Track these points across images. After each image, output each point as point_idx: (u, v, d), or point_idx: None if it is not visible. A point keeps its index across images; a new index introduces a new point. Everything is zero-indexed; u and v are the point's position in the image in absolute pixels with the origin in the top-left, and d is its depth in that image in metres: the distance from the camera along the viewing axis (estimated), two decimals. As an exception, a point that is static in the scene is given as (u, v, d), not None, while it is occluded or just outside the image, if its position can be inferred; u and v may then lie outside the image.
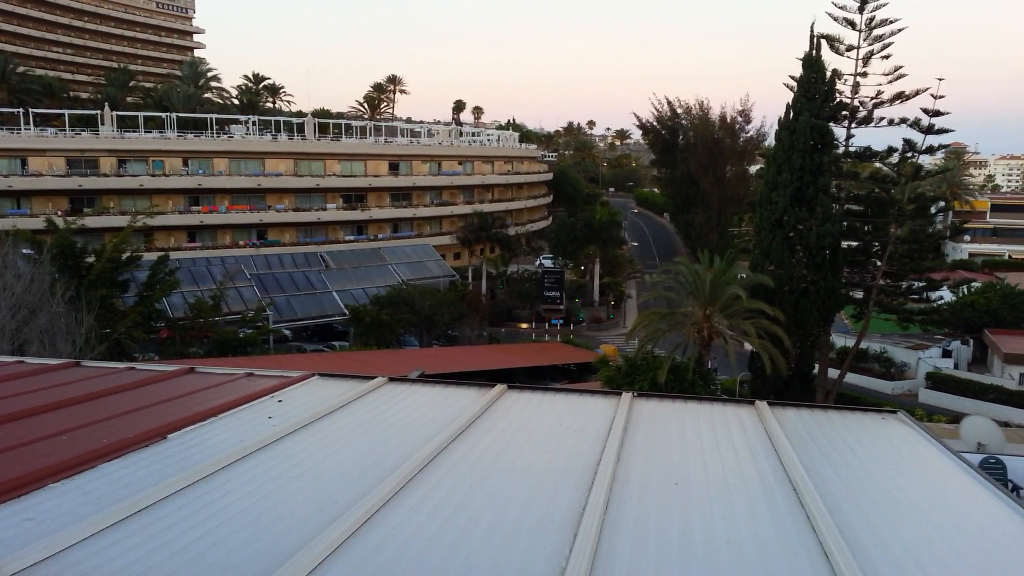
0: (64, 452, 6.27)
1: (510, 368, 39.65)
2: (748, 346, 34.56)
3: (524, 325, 62.86)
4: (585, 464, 6.14)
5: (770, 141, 69.50)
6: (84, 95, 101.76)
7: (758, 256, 36.11)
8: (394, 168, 78.76)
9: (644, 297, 52.03)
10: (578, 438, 6.86)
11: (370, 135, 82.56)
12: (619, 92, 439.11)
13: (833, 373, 39.20)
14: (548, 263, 74.50)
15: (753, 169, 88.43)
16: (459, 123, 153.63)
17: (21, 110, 64.23)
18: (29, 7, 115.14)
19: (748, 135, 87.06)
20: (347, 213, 74.06)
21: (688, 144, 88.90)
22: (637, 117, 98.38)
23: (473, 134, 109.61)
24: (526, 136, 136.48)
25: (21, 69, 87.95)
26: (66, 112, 67.27)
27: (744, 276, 35.37)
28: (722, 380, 38.99)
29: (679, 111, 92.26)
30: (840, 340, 45.47)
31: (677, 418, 7.63)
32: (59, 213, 51.52)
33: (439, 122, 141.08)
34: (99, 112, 67.74)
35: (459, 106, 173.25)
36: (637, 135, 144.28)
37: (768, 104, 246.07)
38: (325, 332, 51.97)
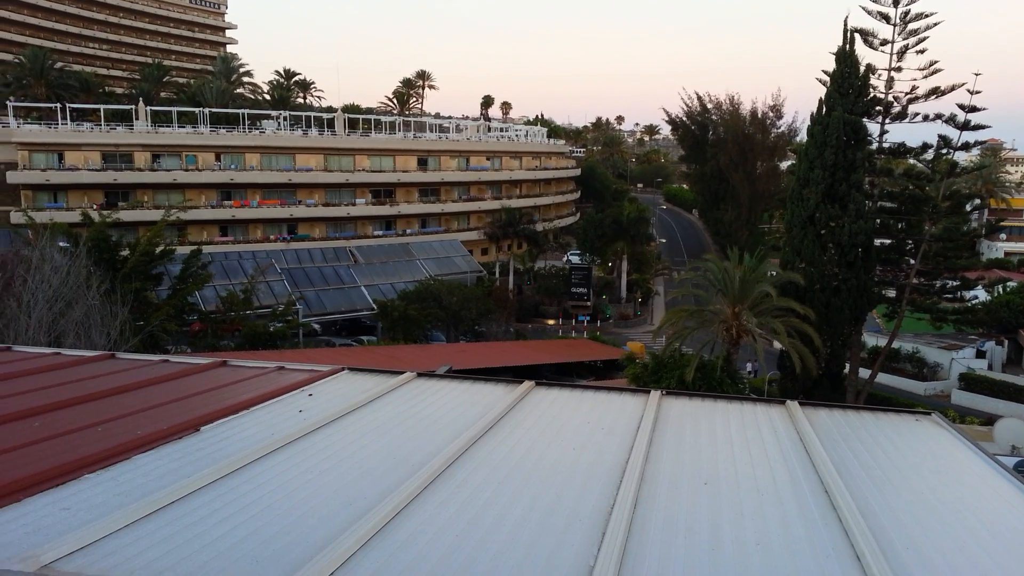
0: (100, 443, 6.37)
1: (537, 364, 39.67)
2: (778, 345, 34.24)
3: (551, 321, 62.79)
4: (613, 462, 6.12)
5: (802, 137, 68.82)
6: (119, 90, 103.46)
7: (789, 254, 35.71)
8: (423, 163, 79.06)
9: (672, 294, 51.68)
10: (606, 436, 6.84)
11: (399, 130, 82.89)
12: (648, 87, 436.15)
13: (864, 373, 38.66)
14: (576, 259, 74.26)
15: (784, 165, 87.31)
16: (487, 118, 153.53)
17: (58, 105, 65.48)
18: (67, 4, 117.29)
19: (779, 130, 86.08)
20: (376, 208, 74.53)
21: (718, 140, 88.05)
22: (666, 112, 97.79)
23: (501, 129, 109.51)
24: (554, 131, 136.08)
25: (59, 65, 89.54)
26: (101, 107, 68.40)
27: (774, 274, 35.02)
28: (750, 379, 38.63)
29: (709, 106, 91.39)
30: (872, 339, 44.82)
31: (707, 417, 7.57)
32: (94, 207, 52.38)
33: (468, 117, 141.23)
34: (134, 107, 68.84)
35: (487, 101, 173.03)
36: (666, 131, 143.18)
37: (800, 99, 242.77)
38: (353, 326, 52.37)
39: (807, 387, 33.58)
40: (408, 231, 75.53)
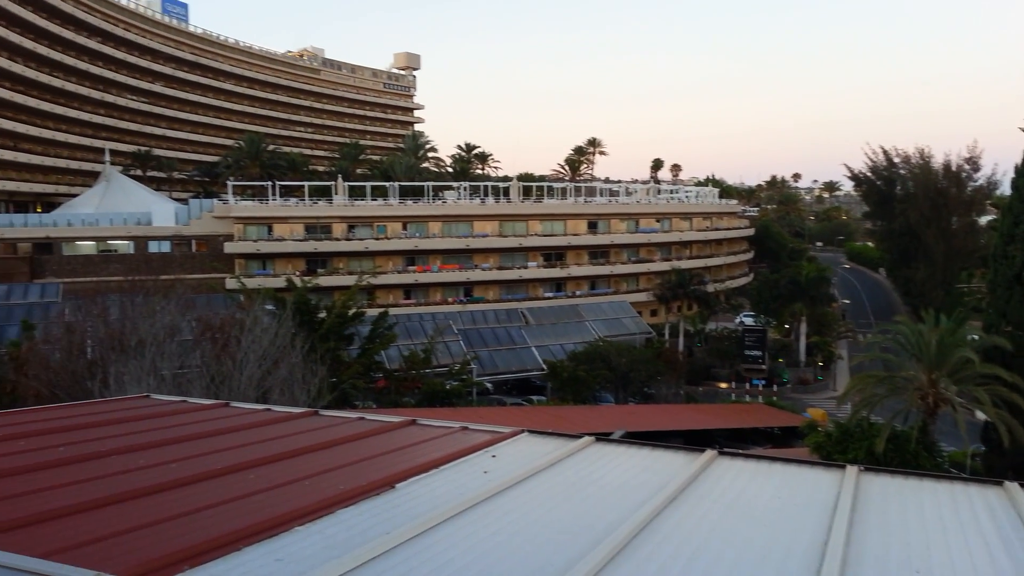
0: (307, 497, 6.82)
1: (709, 429, 38.25)
2: (981, 415, 31.04)
3: (723, 385, 60.55)
4: (810, 542, 5.79)
5: (1003, 190, 63.02)
6: (321, 168, 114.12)
7: (993, 316, 32.61)
8: (592, 227, 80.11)
9: (858, 359, 48.34)
10: (801, 514, 6.50)
11: (570, 196, 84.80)
12: (827, 143, 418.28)
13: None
14: (749, 321, 71.62)
15: (984, 220, 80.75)
16: (657, 181, 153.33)
17: (269, 183, 73.23)
18: (280, 94, 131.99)
19: (977, 184, 79.46)
20: (547, 271, 76.16)
21: (907, 195, 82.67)
22: (848, 168, 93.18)
23: (671, 191, 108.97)
24: (726, 191, 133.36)
25: (270, 147, 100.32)
26: (306, 184, 75.72)
27: (976, 338, 31.96)
28: (950, 453, 35.08)
29: (896, 160, 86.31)
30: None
31: (913, 497, 7.00)
32: (297, 273, 57.51)
33: (637, 181, 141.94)
34: (333, 183, 75.55)
35: (657, 164, 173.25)
36: (847, 187, 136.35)
37: (1000, 149, 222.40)
38: (523, 386, 53.14)
39: (1016, 463, 30.05)
40: (578, 293, 76.36)
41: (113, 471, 7.43)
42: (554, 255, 77.58)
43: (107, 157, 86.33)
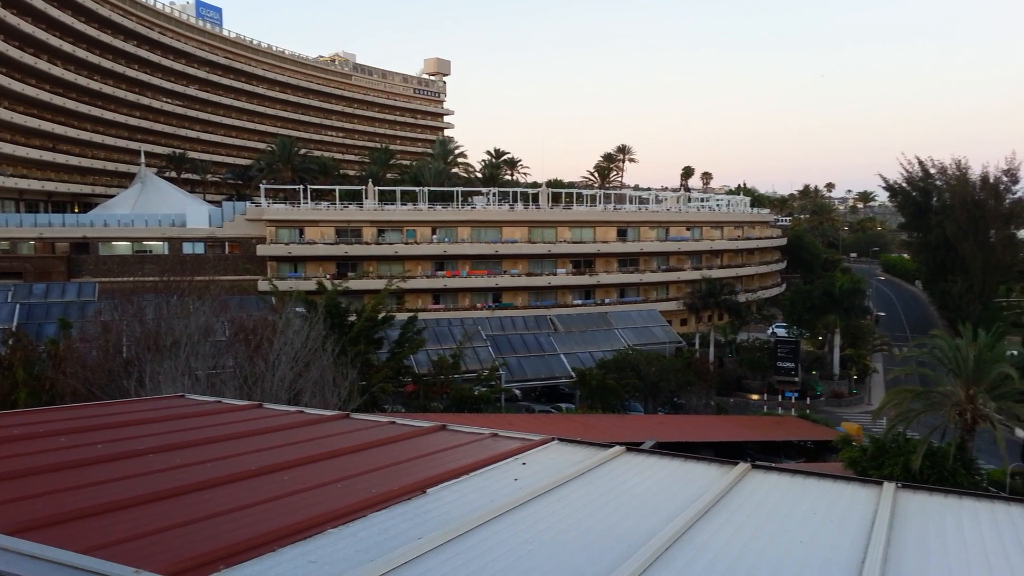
0: (339, 500, 6.87)
1: (740, 441, 37.85)
2: (1021, 432, 30.38)
3: (755, 396, 59.90)
4: (847, 561, 5.69)
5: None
6: (351, 172, 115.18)
7: (1035, 331, 31.80)
8: (622, 234, 79.88)
9: (894, 373, 47.70)
10: (837, 531, 6.40)
11: (599, 203, 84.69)
12: (861, 153, 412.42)
13: None
14: (781, 332, 70.86)
15: (1023, 233, 79.45)
16: (687, 189, 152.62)
17: (301, 187, 74.07)
18: (312, 98, 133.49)
19: (1016, 196, 78.20)
20: (576, 278, 76.04)
21: (944, 206, 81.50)
22: (883, 178, 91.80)
23: (702, 199, 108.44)
24: (758, 200, 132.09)
25: (302, 152, 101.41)
26: (337, 188, 76.50)
27: (1015, 353, 31.34)
28: (988, 470, 34.33)
29: (932, 171, 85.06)
30: None
31: (952, 516, 6.86)
32: (328, 276, 58.06)
33: (667, 188, 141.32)
34: (364, 187, 76.21)
35: (687, 172, 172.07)
36: (882, 197, 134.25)
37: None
38: (552, 393, 53.04)
39: (1062, 484, 29.29)
40: (607, 300, 76.15)
41: (151, 469, 7.57)
42: (583, 262, 77.44)
43: (142, 159, 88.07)
